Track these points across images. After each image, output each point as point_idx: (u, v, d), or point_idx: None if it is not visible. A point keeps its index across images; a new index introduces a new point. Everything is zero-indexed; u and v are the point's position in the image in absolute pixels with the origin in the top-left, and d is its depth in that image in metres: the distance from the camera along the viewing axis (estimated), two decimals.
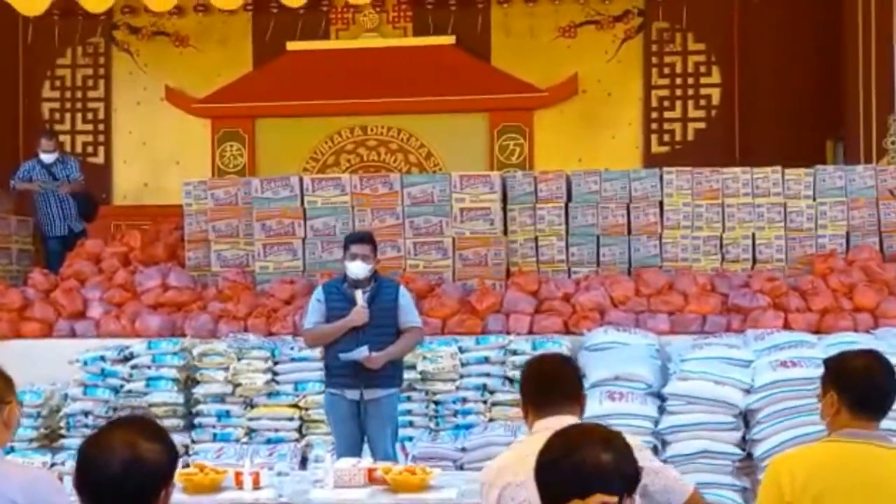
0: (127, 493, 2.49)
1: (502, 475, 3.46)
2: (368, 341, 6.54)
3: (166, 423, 7.65)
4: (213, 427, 7.93)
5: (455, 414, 7.82)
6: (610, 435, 2.55)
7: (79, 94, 13.33)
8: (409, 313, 6.79)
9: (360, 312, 6.59)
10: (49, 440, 8.01)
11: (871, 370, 3.54)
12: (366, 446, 6.67)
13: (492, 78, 12.39)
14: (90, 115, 13.32)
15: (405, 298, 6.81)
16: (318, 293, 6.83)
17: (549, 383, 3.66)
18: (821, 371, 6.78)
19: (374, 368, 6.54)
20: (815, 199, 9.12)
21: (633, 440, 3.16)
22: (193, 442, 7.85)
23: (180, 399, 8.00)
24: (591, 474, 2.41)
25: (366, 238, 6.89)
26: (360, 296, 6.63)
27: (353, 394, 6.63)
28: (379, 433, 6.62)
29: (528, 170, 11.30)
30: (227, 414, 7.95)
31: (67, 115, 13.32)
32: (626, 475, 2.45)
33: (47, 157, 10.83)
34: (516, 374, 7.80)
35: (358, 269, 6.67)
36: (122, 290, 9.23)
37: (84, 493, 2.53)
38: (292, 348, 8.11)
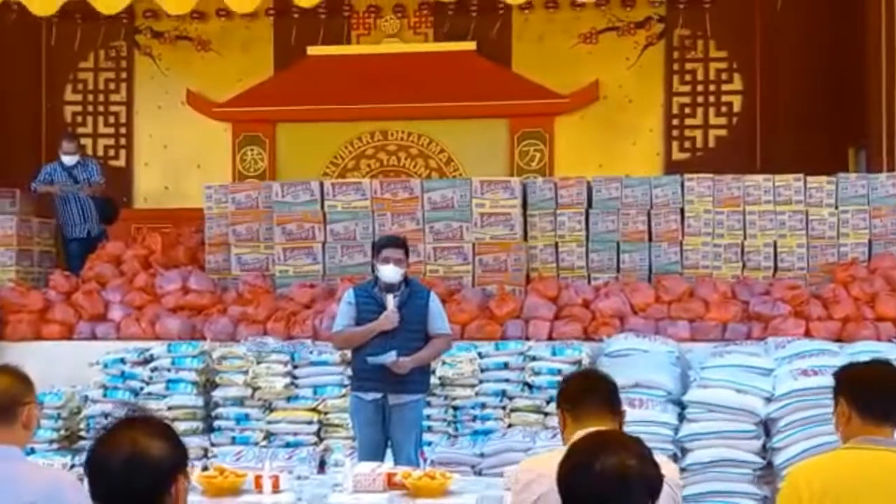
0: (132, 490, 2.49)
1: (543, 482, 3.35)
2: (397, 346, 6.52)
3: (185, 425, 7.69)
4: (233, 430, 7.94)
5: (474, 419, 7.82)
6: (632, 441, 2.54)
7: (101, 98, 13.39)
8: (438, 319, 6.75)
9: (389, 317, 6.57)
10: (69, 442, 8.05)
11: (879, 376, 3.59)
12: (388, 450, 6.67)
13: (512, 84, 12.38)
14: (112, 119, 13.37)
15: (435, 304, 6.77)
16: (349, 296, 6.81)
17: (592, 393, 3.65)
18: None
19: (402, 373, 6.53)
20: (837, 208, 9.08)
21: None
22: (213, 445, 7.87)
23: (200, 402, 8.02)
24: (616, 480, 2.40)
25: (398, 242, 6.85)
26: (390, 300, 6.61)
27: (377, 397, 6.62)
28: (403, 438, 6.61)
29: (548, 176, 11.29)
30: (247, 417, 7.97)
31: (89, 119, 13.38)
32: (650, 480, 2.44)
33: (68, 160, 10.87)
34: (535, 380, 7.80)
35: (391, 273, 6.65)
36: (143, 292, 9.26)
37: (94, 492, 2.54)
38: (311, 352, 8.12)
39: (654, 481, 2.45)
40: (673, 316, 8.55)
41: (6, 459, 3.29)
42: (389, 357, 6.48)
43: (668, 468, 3.21)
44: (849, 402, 3.51)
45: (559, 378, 7.71)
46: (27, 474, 3.30)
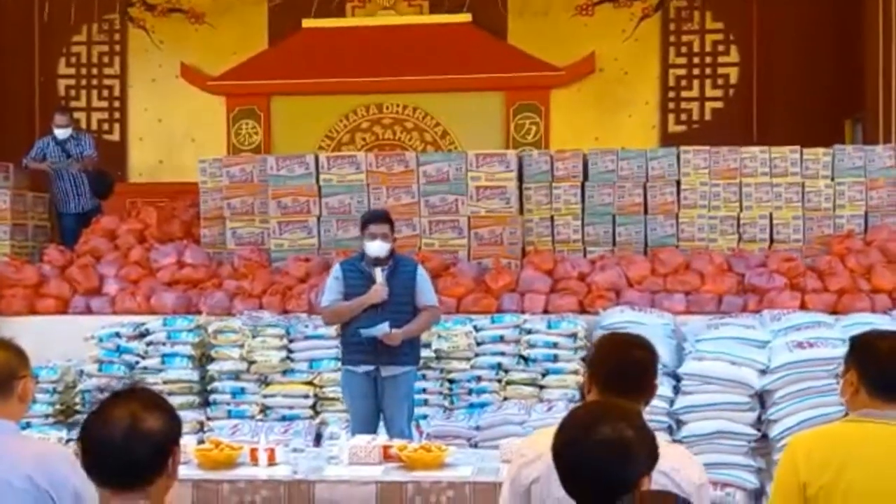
0: (132, 463, 2.50)
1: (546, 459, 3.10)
2: (386, 319, 6.55)
3: (181, 399, 7.69)
4: (228, 404, 7.95)
5: (469, 392, 7.82)
6: (628, 411, 2.54)
7: (94, 71, 13.33)
8: (426, 292, 6.80)
9: (378, 290, 6.60)
10: (65, 416, 8.05)
11: (894, 352, 3.43)
12: (381, 423, 6.69)
13: (508, 56, 12.32)
14: (105, 93, 13.32)
15: (423, 277, 6.81)
16: (336, 271, 6.86)
17: (628, 369, 3.29)
18: (837, 352, 6.79)
19: (393, 345, 6.55)
20: (833, 179, 9.07)
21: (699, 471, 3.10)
22: (209, 419, 7.87)
23: (195, 376, 8.02)
24: (612, 450, 2.39)
25: (384, 217, 6.87)
26: (378, 274, 6.64)
27: (369, 370, 6.65)
28: (395, 410, 6.64)
29: (543, 149, 11.25)
30: (242, 391, 7.97)
31: (83, 92, 13.32)
32: (648, 451, 2.43)
33: (61, 133, 10.79)
34: (531, 353, 7.81)
35: (377, 248, 6.68)
36: (138, 266, 9.24)
37: (91, 468, 2.53)
38: (307, 326, 8.11)
39: (651, 452, 2.45)
40: (669, 289, 8.55)
41: (2, 433, 3.29)
42: (383, 329, 6.50)
43: (693, 470, 3.15)
44: (859, 374, 3.40)
45: (554, 351, 7.77)
46: (22, 448, 3.30)
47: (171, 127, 13.04)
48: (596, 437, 2.40)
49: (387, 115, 12.58)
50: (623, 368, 3.28)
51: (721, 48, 12.53)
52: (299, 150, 10.10)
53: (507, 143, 12.06)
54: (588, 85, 12.53)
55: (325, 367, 7.89)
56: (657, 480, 2.52)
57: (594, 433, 2.41)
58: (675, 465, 2.97)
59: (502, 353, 7.89)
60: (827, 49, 11.78)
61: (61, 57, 13.31)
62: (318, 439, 7.46)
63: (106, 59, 13.31)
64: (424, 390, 7.75)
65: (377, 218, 6.86)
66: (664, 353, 7.36)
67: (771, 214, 9.06)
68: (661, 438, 2.58)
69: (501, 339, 7.94)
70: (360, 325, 6.60)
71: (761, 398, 7.16)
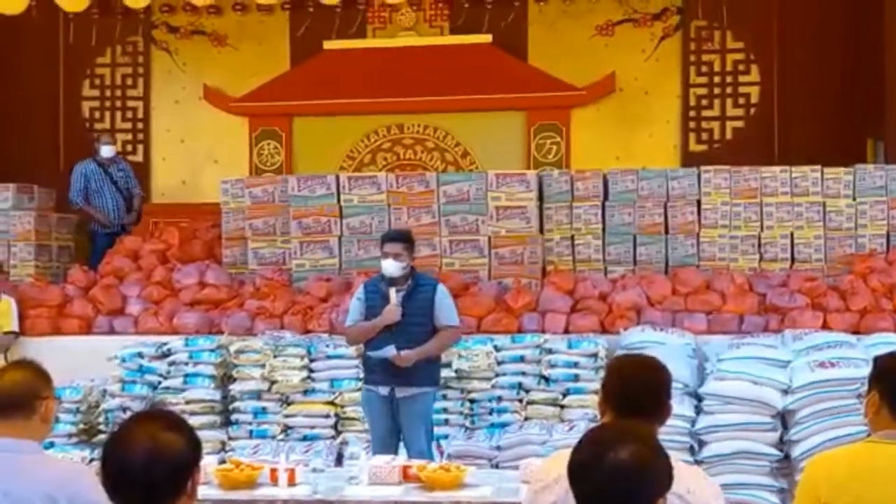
0: (153, 485, 2.51)
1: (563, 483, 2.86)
2: (401, 339, 6.57)
3: (203, 419, 7.72)
4: (250, 424, 7.98)
5: (490, 412, 7.82)
6: (645, 434, 2.53)
7: (118, 93, 13.40)
8: (445, 311, 6.79)
9: (391, 311, 6.63)
10: (88, 436, 8.09)
11: None
12: (402, 443, 6.70)
13: (528, 76, 12.33)
14: (129, 114, 13.39)
15: (442, 297, 6.81)
16: (359, 291, 6.94)
17: (639, 390, 3.26)
18: (859, 372, 6.77)
19: (405, 366, 6.56)
20: (854, 199, 9.05)
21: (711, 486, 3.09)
22: (230, 438, 7.90)
23: (217, 396, 8.05)
24: (631, 472, 2.38)
25: (398, 237, 6.91)
26: (393, 294, 6.67)
27: (385, 390, 6.68)
28: (413, 431, 6.65)
29: (564, 168, 11.25)
30: (264, 411, 7.99)
31: (107, 114, 13.39)
32: (664, 474, 2.43)
33: (107, 150, 10.94)
34: (552, 372, 7.80)
35: (390, 267, 6.71)
36: (161, 287, 9.30)
37: (111, 489, 2.55)
38: (328, 346, 8.14)
39: (667, 475, 2.44)
40: (690, 308, 8.54)
41: (24, 452, 3.32)
42: (389, 351, 6.53)
43: (707, 491, 3.11)
44: (882, 394, 3.38)
45: (575, 371, 7.77)
46: (44, 467, 3.33)
47: (194, 148, 13.10)
48: (612, 460, 2.39)
49: (407, 136, 12.61)
50: (635, 390, 3.25)
51: (742, 67, 12.49)
52: (321, 171, 10.15)
53: (527, 162, 12.05)
54: (608, 104, 12.51)
55: (346, 387, 7.91)
56: (672, 503, 2.51)
57: (610, 456, 2.40)
58: (689, 486, 2.97)
59: (523, 373, 7.89)
60: (848, 68, 11.73)
61: (85, 79, 13.39)
62: (339, 459, 7.47)
63: (129, 81, 13.39)
64: (445, 410, 7.75)
65: (391, 238, 6.93)
66: (685, 373, 7.34)
67: (792, 234, 9.04)
68: (676, 459, 2.58)
69: (522, 359, 7.94)
70: (374, 346, 6.68)
71: (783, 418, 7.12)
